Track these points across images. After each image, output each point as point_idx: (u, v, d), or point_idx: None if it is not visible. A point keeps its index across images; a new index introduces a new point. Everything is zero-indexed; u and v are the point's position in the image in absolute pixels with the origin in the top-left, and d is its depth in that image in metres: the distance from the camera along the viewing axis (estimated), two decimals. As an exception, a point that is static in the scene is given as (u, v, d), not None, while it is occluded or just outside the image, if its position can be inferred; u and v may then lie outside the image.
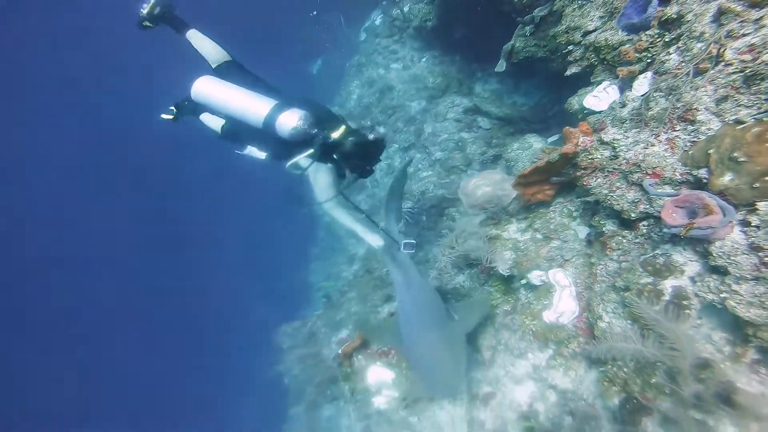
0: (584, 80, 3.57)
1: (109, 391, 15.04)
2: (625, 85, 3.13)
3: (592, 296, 3.06)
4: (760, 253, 2.05)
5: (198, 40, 3.97)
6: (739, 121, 2.23)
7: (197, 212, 20.93)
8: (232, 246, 18.91)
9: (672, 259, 2.54)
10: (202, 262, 19.25)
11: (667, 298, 2.54)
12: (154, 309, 17.41)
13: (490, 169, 5.09)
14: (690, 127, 2.44)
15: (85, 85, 17.11)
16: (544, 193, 3.52)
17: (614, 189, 2.80)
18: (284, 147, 3.53)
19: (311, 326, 6.30)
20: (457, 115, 6.21)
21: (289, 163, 3.61)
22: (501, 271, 3.64)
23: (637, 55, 2.99)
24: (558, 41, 3.69)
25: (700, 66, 2.43)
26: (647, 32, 2.95)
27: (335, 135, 3.35)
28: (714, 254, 2.26)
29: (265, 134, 3.47)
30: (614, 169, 2.80)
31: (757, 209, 2.07)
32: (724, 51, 2.31)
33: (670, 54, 2.72)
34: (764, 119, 2.13)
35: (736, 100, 2.27)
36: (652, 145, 2.59)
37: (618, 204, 2.78)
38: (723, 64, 2.32)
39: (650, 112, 2.64)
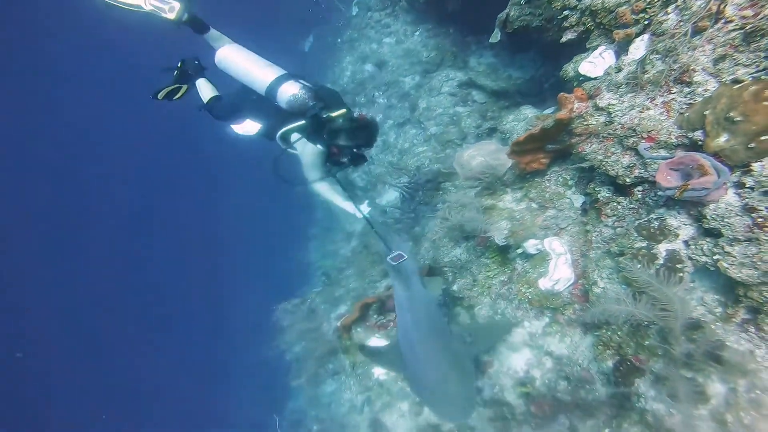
0: (580, 47, 3.50)
1: (113, 383, 15.23)
2: (621, 49, 3.07)
3: (588, 263, 3.08)
4: (753, 215, 2.05)
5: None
6: (736, 81, 2.20)
7: (194, 197, 20.88)
8: (229, 229, 18.94)
9: (666, 223, 2.54)
10: (200, 246, 19.31)
11: (661, 261, 2.55)
12: (153, 293, 17.52)
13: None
14: (686, 89, 2.41)
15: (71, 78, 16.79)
16: (539, 161, 3.49)
17: (609, 154, 2.78)
18: (280, 117, 3.60)
19: (310, 303, 6.35)
20: (451, 89, 6.13)
21: (280, 131, 3.65)
22: (497, 241, 3.64)
23: (634, 16, 2.92)
24: (553, 6, 3.61)
25: (699, 24, 2.37)
26: (645, -9, 2.88)
27: (332, 114, 3.36)
28: (708, 217, 2.26)
29: (266, 103, 3.60)
30: (609, 134, 2.78)
31: (752, 170, 2.05)
32: (724, 7, 2.26)
33: (669, 14, 2.66)
34: (762, 77, 2.10)
35: (734, 59, 2.23)
36: (648, 109, 2.56)
37: (613, 169, 2.76)
38: (723, 21, 2.27)
39: (646, 76, 2.60)
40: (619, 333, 2.81)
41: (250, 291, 13.28)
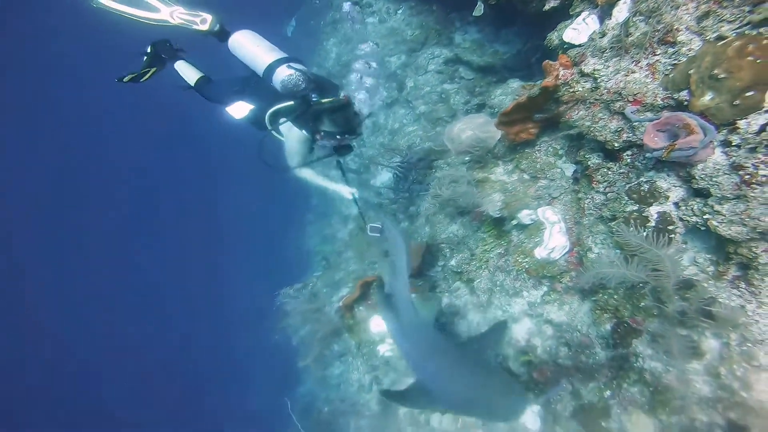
0: (564, 15, 3.45)
1: (122, 378, 15.45)
2: (605, 13, 3.03)
3: (581, 230, 3.11)
4: (740, 172, 2.07)
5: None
6: (720, 38, 2.19)
7: (190, 190, 20.80)
8: (226, 221, 18.96)
9: (656, 186, 2.56)
10: (199, 239, 19.34)
11: (652, 224, 2.58)
12: (154, 289, 17.62)
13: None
14: (670, 50, 2.39)
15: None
16: (528, 132, 3.48)
17: (597, 120, 2.78)
18: (272, 98, 3.63)
19: (312, 287, 6.43)
20: (438, 67, 6.07)
21: (269, 111, 3.67)
22: (491, 213, 3.66)
23: (616, -22, 2.87)
24: (535, -28, 3.54)
25: (680, -18, 2.34)
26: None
27: (322, 100, 3.41)
28: (697, 177, 2.27)
29: (261, 84, 3.66)
30: (596, 99, 2.77)
31: (738, 128, 2.06)
32: (704, -36, 2.22)
33: (650, -27, 2.62)
34: (746, 32, 2.08)
35: (718, 15, 2.21)
36: (633, 72, 2.55)
37: (601, 135, 2.76)
38: (704, -23, 2.24)
39: (630, 38, 2.57)
40: (615, 296, 2.86)
41: (252, 281, 13.36)
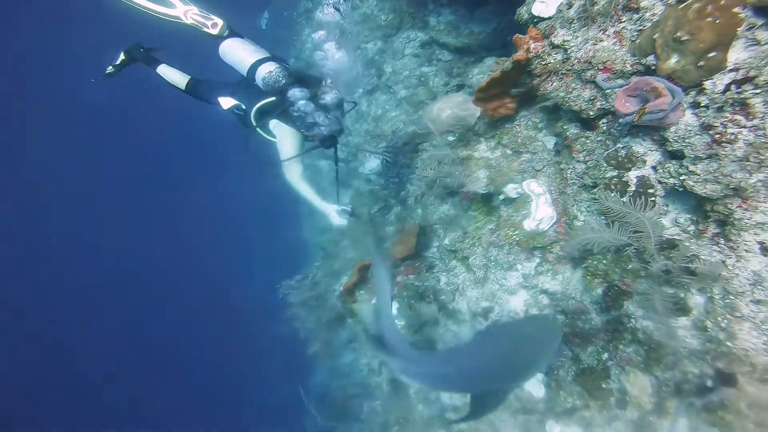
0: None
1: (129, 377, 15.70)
2: (571, -18, 3.01)
3: (566, 199, 3.16)
4: (711, 131, 2.10)
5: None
6: (681, 1, 2.19)
7: (186, 193, 20.71)
8: (222, 221, 18.95)
9: (633, 151, 2.60)
10: (198, 239, 19.37)
11: (633, 188, 2.63)
12: (160, 288, 17.74)
13: (454, 97, 5.01)
14: (635, 16, 2.40)
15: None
16: (506, 107, 3.50)
17: (570, 90, 2.80)
18: (257, 96, 3.71)
19: (313, 277, 6.54)
20: (414, 51, 6.03)
21: (253, 109, 3.74)
22: (477, 190, 3.71)
23: (577, -55, 2.85)
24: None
25: (639, -54, 2.33)
26: None
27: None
28: (670, 139, 2.31)
29: (246, 83, 3.75)
30: (568, 70, 2.78)
31: (705, 89, 2.09)
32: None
33: (609, -61, 2.60)
34: (705, -7, 2.09)
35: (677, -23, 2.21)
36: (601, 41, 2.56)
37: (576, 104, 2.79)
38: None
39: (596, 7, 2.57)
40: (604, 261, 2.93)
41: (253, 277, 13.50)
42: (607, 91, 2.57)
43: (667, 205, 2.56)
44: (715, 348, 2.32)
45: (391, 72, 6.18)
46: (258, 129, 3.85)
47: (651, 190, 2.56)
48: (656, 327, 2.58)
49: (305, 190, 3.96)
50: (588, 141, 2.92)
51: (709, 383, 2.35)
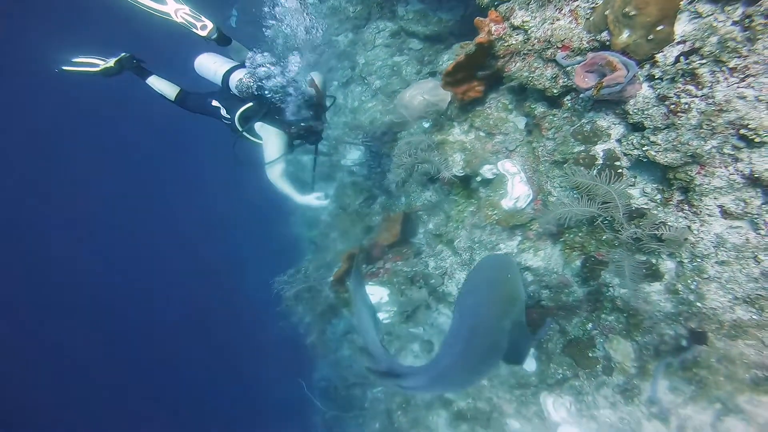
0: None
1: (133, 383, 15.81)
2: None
3: (540, 177, 3.22)
4: (666, 102, 2.16)
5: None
6: (628, -26, 2.22)
7: (173, 197, 20.51)
8: (214, 223, 18.85)
9: (597, 125, 2.66)
10: (191, 241, 19.28)
11: (600, 161, 2.69)
12: (157, 298, 17.74)
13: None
14: (588, -7, 2.43)
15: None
16: (475, 90, 3.52)
17: (533, 70, 2.83)
18: (237, 103, 3.82)
19: (305, 271, 6.59)
20: (385, 41, 5.99)
21: (236, 116, 3.83)
22: (455, 172, 3.76)
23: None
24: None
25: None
26: None
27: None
28: (630, 112, 2.37)
29: (223, 93, 3.90)
30: (529, 50, 2.81)
31: (657, 61, 2.14)
32: None
33: None
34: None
35: (623, -49, 2.24)
36: (558, 20, 2.59)
37: (540, 83, 2.82)
38: None
39: (550, -15, 2.59)
40: (579, 234, 3.01)
41: (246, 276, 13.52)
42: (568, 68, 2.61)
43: (635, 177, 2.63)
44: (686, 309, 2.42)
45: (364, 63, 6.13)
46: (245, 133, 3.94)
47: (618, 163, 2.62)
48: (631, 294, 2.66)
49: (286, 188, 4.02)
50: (555, 118, 2.97)
51: (684, 343, 2.45)
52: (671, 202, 2.41)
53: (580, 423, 3.22)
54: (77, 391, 15.30)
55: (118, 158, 19.57)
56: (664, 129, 2.23)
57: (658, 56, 2.12)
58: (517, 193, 3.42)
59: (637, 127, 2.44)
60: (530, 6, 2.78)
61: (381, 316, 4.98)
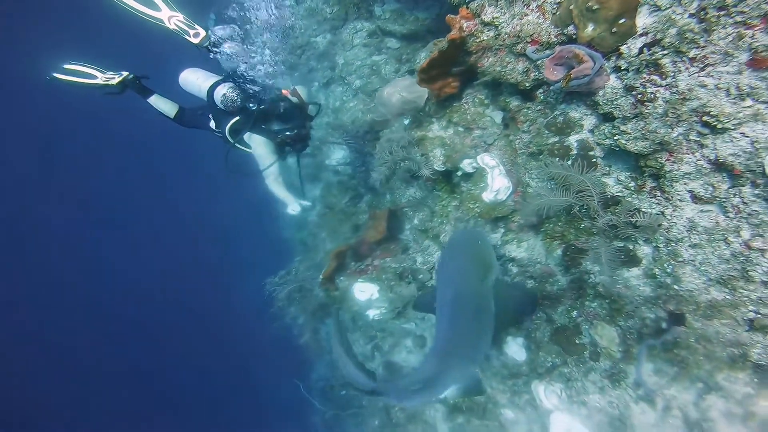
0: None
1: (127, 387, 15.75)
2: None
3: (518, 169, 3.26)
4: (633, 92, 2.20)
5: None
6: (590, -32, 2.25)
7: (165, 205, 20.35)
8: (204, 229, 18.78)
9: (570, 117, 2.70)
10: (184, 248, 19.19)
11: (575, 152, 2.74)
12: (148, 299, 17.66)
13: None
14: (553, -13, 2.46)
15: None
16: (450, 86, 3.54)
17: (506, 64, 2.87)
18: (225, 117, 3.93)
19: (296, 272, 6.63)
20: (363, 40, 5.99)
21: (226, 129, 3.95)
22: (435, 167, 3.78)
23: None
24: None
25: None
26: None
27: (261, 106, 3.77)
28: (600, 103, 2.42)
29: (212, 108, 4.00)
30: (500, 45, 2.84)
31: (622, 53, 2.18)
32: None
33: None
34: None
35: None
36: (526, 15, 2.62)
37: (512, 77, 2.86)
38: None
39: (516, -19, 2.62)
40: (559, 224, 3.07)
41: (239, 280, 13.51)
42: (538, 62, 2.65)
43: (609, 165, 2.68)
44: (664, 292, 2.48)
45: (344, 63, 6.13)
46: (237, 145, 4.03)
47: (591, 152, 2.67)
48: (609, 280, 2.72)
49: (282, 194, 4.20)
50: (529, 111, 3.00)
51: (664, 325, 2.51)
52: (644, 189, 2.47)
53: (571, 409, 3.28)
54: (76, 392, 15.27)
55: (118, 160, 19.45)
56: (632, 118, 2.28)
57: (623, 48, 2.16)
58: (497, 185, 3.46)
59: (607, 117, 2.49)
60: (499, 2, 2.80)
61: (372, 312, 5.01)
